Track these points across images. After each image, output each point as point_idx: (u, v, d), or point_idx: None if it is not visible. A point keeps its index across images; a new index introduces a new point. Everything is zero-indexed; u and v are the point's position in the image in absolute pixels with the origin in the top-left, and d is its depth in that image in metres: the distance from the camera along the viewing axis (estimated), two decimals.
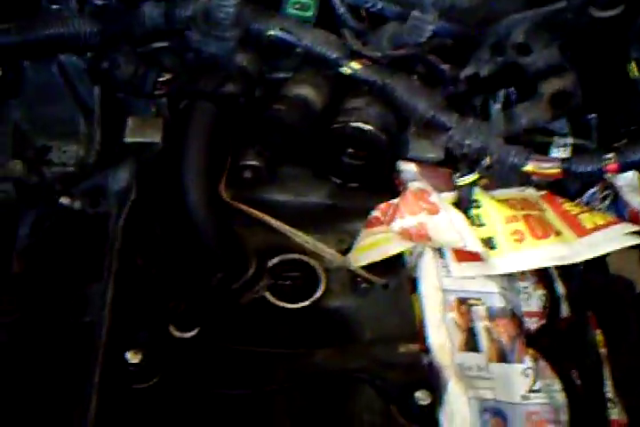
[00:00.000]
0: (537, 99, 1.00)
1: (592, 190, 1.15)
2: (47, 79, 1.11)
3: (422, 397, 0.92)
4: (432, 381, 0.93)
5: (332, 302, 1.07)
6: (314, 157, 1.07)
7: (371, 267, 1.03)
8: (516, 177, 1.01)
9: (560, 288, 1.14)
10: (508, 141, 0.99)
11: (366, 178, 1.06)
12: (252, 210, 1.05)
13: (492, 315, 0.98)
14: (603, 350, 1.11)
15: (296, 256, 1.09)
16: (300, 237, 1.01)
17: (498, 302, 0.99)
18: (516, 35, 0.98)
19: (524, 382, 0.96)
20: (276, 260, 1.08)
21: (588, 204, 1.15)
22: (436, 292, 0.96)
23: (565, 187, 1.16)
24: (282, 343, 1.02)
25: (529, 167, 0.96)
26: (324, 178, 1.10)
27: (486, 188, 1.06)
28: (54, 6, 1.12)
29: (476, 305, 0.98)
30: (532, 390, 0.96)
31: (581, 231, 1.03)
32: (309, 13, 1.09)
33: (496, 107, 1.08)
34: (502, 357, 0.97)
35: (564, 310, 1.14)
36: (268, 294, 1.06)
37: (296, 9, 1.09)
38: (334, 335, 1.06)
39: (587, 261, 1.13)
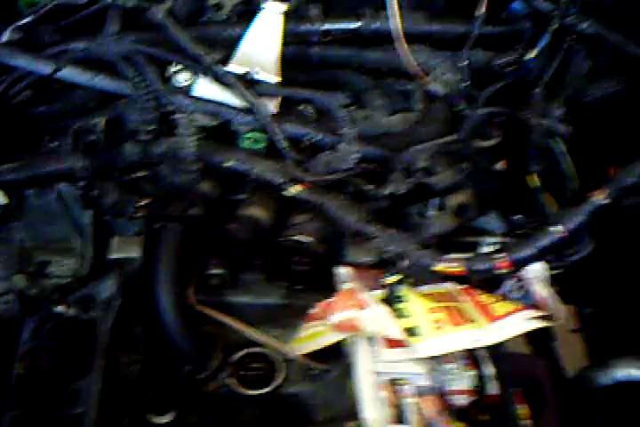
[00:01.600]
0: (444, 210, 1.22)
1: (510, 282, 1.35)
2: (47, 204, 1.33)
3: None
4: None
5: (289, 388, 1.26)
6: (267, 265, 1.28)
7: (318, 356, 1.22)
8: (430, 276, 1.22)
9: (488, 369, 1.32)
10: (425, 246, 1.20)
11: (312, 280, 1.27)
12: (214, 312, 1.25)
13: (419, 393, 1.15)
14: (528, 422, 1.28)
15: (258, 349, 1.28)
16: (251, 332, 1.21)
17: (424, 382, 1.16)
18: (420, 161, 1.21)
19: None
20: (241, 353, 1.27)
21: (508, 293, 1.34)
22: (368, 375, 1.14)
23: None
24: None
25: (438, 267, 1.17)
26: (277, 282, 1.30)
27: (415, 284, 1.26)
28: (53, 144, 1.37)
29: (405, 385, 1.16)
30: None
31: (492, 318, 1.21)
32: (260, 146, 1.32)
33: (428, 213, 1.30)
34: None
35: (493, 388, 1.32)
36: (233, 383, 1.24)
37: (249, 142, 1.32)
38: (292, 418, 1.24)
39: (535, 346, 1.31)
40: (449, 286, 1.27)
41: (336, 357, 1.23)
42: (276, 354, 1.25)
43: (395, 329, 1.14)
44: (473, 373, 1.31)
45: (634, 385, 1.53)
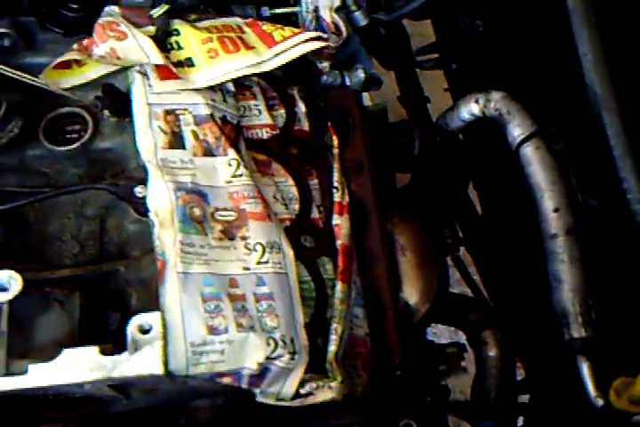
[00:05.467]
0: None
1: (308, 17, 1.33)
2: None
3: (140, 191, 1.13)
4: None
5: (102, 143, 1.27)
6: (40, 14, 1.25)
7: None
8: None
9: (299, 107, 1.33)
10: None
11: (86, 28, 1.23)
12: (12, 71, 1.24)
13: (198, 121, 1.16)
14: (336, 151, 1.30)
15: (68, 109, 1.29)
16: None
17: (204, 111, 1.17)
18: None
19: (228, 170, 1.15)
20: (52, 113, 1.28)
21: (309, 25, 1.33)
22: (143, 106, 1.14)
23: None
24: None
25: None
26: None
27: (194, 21, 1.24)
28: None
29: (183, 114, 1.16)
30: (235, 176, 1.15)
31: (271, 43, 1.20)
32: None
33: None
34: (208, 152, 1.15)
35: (305, 125, 1.33)
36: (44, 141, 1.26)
37: None
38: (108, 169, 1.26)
39: None
40: (232, 20, 1.25)
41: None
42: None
43: (156, 56, 1.13)
44: (281, 111, 1.31)
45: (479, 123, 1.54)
